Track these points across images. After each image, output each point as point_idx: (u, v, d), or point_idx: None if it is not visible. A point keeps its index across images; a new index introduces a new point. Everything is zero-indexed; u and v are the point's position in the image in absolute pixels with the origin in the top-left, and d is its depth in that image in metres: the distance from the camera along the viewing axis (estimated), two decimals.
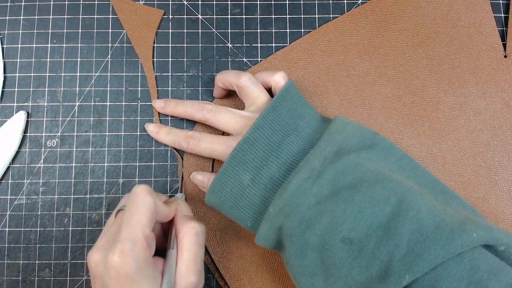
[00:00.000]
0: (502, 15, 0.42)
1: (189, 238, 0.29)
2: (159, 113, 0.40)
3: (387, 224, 0.28)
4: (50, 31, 0.40)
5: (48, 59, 0.40)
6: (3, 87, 0.40)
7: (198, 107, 0.37)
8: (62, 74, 0.40)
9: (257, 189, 0.32)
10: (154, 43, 0.40)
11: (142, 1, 0.41)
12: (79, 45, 0.40)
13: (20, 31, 0.40)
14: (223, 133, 0.39)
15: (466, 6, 0.41)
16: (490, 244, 0.29)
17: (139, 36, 0.40)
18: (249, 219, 0.33)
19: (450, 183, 0.39)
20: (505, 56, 0.41)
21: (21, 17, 0.41)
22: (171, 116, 0.40)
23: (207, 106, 0.36)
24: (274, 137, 0.33)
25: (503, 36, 0.41)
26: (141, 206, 0.28)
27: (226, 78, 0.37)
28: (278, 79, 0.36)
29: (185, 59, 0.41)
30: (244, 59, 0.41)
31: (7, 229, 0.38)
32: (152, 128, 0.39)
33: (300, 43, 0.41)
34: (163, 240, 0.32)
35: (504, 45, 0.41)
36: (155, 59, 0.40)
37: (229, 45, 0.41)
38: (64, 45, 0.40)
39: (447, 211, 0.30)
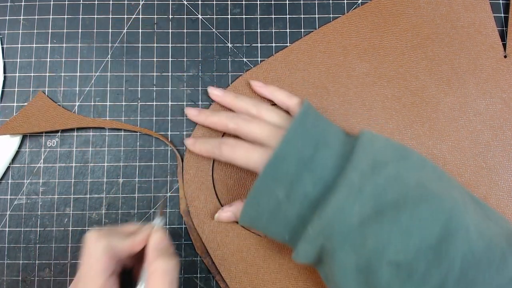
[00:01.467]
0: (502, 15, 0.42)
1: (157, 277, 0.28)
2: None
3: (437, 245, 0.27)
4: (50, 31, 0.40)
5: (48, 59, 0.40)
6: (3, 87, 0.40)
7: (234, 115, 0.36)
8: (62, 74, 0.40)
9: (292, 206, 0.31)
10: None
11: (142, 0, 0.41)
12: (79, 45, 0.40)
13: (20, 31, 0.40)
14: None
15: (465, 6, 0.41)
16: None
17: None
18: (286, 234, 0.32)
19: None
20: (505, 56, 0.41)
21: (21, 17, 0.41)
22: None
23: (242, 114, 0.36)
24: (305, 150, 0.31)
25: (503, 36, 0.41)
26: (93, 257, 0.28)
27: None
28: (295, 106, 0.37)
29: (185, 59, 0.41)
30: (244, 59, 0.41)
31: (7, 229, 0.38)
32: (189, 143, 0.38)
33: (299, 44, 0.41)
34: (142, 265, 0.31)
35: (504, 45, 0.41)
36: (155, 59, 0.40)
37: (229, 45, 0.41)
38: (64, 45, 0.40)
39: (490, 227, 0.29)
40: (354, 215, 0.28)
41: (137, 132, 0.39)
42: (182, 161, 0.39)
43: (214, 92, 0.39)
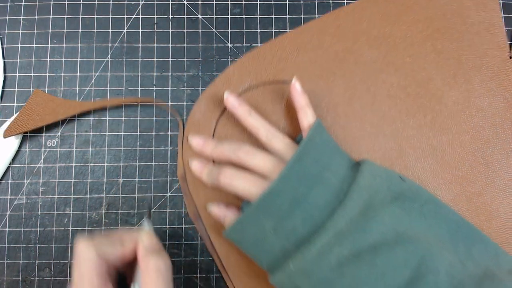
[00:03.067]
0: (511, 15, 0.42)
1: (150, 275, 0.28)
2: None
3: (405, 287, 0.28)
4: (50, 31, 0.40)
5: (48, 59, 0.40)
6: (3, 87, 0.40)
7: (236, 147, 0.35)
8: (62, 74, 0.40)
9: (278, 239, 0.31)
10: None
11: (142, 0, 0.41)
12: (79, 45, 0.40)
13: (20, 31, 0.40)
14: None
15: (476, 4, 0.42)
16: None
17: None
18: (265, 263, 0.33)
19: (447, 175, 0.39)
20: (511, 57, 0.41)
21: (21, 17, 0.41)
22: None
23: (245, 147, 0.35)
24: (300, 188, 0.31)
25: (511, 37, 0.41)
26: (84, 266, 0.27)
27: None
28: (307, 129, 0.35)
29: (185, 59, 0.41)
30: None
31: (7, 229, 0.38)
32: (196, 168, 0.38)
33: (310, 26, 0.41)
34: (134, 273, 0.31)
35: (511, 46, 0.41)
36: (155, 59, 0.40)
37: (229, 45, 0.41)
38: (64, 45, 0.40)
39: (466, 267, 0.30)
40: (333, 255, 0.29)
41: (137, 103, 0.39)
42: (184, 126, 0.39)
43: (230, 100, 0.37)
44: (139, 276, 0.29)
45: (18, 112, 0.38)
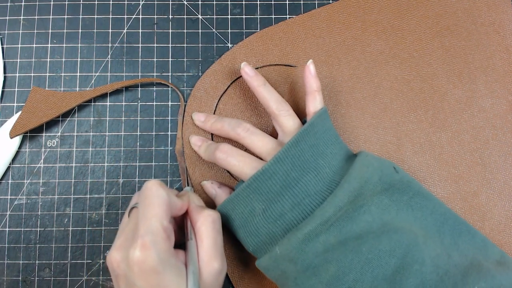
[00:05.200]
0: None
1: (207, 226, 0.30)
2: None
3: (392, 276, 0.29)
4: (50, 31, 0.40)
5: (48, 59, 0.40)
6: (3, 87, 0.40)
7: (236, 123, 0.35)
8: (62, 74, 0.40)
9: (266, 222, 0.32)
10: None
11: (142, 1, 0.41)
12: (79, 45, 0.40)
13: (20, 31, 0.40)
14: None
15: (488, 5, 0.42)
16: None
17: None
18: (251, 245, 0.33)
19: (443, 173, 0.39)
20: None
21: (21, 17, 0.41)
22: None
23: (245, 124, 0.35)
24: (293, 173, 0.31)
25: None
26: (155, 199, 0.28)
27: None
28: (311, 116, 0.34)
29: (185, 59, 0.41)
30: None
31: (7, 229, 0.38)
32: (195, 141, 0.38)
33: (320, 11, 0.41)
34: (178, 234, 0.32)
35: None
36: (155, 59, 0.40)
37: (229, 45, 0.41)
38: (64, 45, 0.40)
39: (452, 258, 0.31)
40: (320, 243, 0.29)
41: (138, 83, 0.40)
42: (185, 102, 0.39)
43: (246, 69, 0.36)
44: (191, 230, 0.31)
45: (20, 112, 0.38)
